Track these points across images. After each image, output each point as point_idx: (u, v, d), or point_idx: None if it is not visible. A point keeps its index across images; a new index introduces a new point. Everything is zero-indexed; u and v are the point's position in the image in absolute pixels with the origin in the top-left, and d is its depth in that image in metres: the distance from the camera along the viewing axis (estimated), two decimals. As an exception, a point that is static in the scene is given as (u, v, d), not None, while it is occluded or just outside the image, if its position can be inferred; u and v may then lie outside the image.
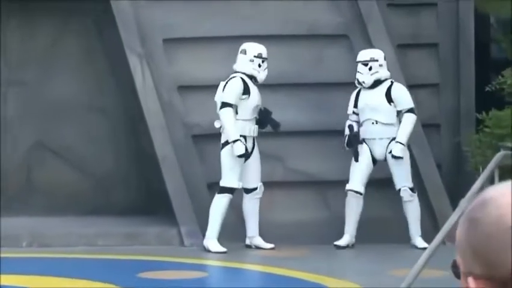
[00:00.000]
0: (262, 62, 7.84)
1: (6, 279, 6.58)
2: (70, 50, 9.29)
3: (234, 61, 8.14)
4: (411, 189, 7.91)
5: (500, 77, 8.43)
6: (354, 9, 8.58)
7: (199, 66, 8.38)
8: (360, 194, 7.96)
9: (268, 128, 7.93)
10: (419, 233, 7.87)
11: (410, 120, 7.98)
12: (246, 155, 7.58)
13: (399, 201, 7.95)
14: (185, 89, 8.46)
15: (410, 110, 8.00)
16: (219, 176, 8.17)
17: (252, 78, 7.78)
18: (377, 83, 7.94)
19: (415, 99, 8.45)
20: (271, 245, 7.83)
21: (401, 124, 7.94)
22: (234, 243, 7.92)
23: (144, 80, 8.26)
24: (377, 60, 7.97)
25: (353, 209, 7.97)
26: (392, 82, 8.02)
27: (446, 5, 8.95)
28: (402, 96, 8.03)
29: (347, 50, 8.46)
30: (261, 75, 7.81)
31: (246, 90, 7.73)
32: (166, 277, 7.35)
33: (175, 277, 7.32)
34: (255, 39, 8.05)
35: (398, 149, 7.85)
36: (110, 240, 8.27)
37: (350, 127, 7.93)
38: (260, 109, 7.90)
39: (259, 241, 7.84)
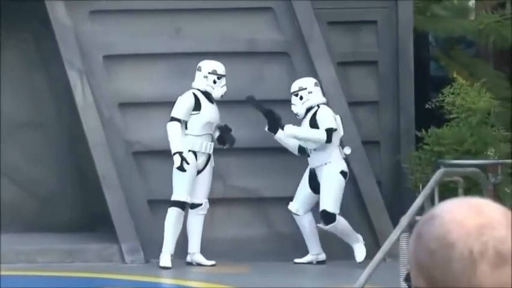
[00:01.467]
0: (218, 78, 7.91)
1: None
2: (8, 65, 9.12)
3: (174, 78, 8.18)
4: (328, 215, 7.91)
5: (439, 94, 8.65)
6: (295, 27, 8.67)
7: (139, 83, 8.42)
8: (297, 214, 8.05)
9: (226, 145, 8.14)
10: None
11: (318, 133, 8.00)
12: (183, 169, 7.60)
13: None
14: (125, 105, 8.47)
15: (327, 130, 8.05)
16: (160, 193, 8.22)
17: (208, 94, 7.86)
18: (309, 110, 8.03)
19: (355, 117, 8.64)
20: (212, 262, 7.86)
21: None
22: (175, 260, 7.92)
23: (84, 96, 8.27)
24: (305, 89, 8.06)
25: (302, 228, 8.10)
26: (318, 107, 8.11)
27: (386, 23, 9.13)
28: (324, 117, 8.08)
29: (287, 67, 8.55)
30: (217, 91, 7.87)
31: (197, 106, 7.78)
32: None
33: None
34: (194, 56, 8.11)
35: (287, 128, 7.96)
36: (50, 257, 8.27)
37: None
38: (221, 126, 7.97)
39: (200, 258, 7.89)
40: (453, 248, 1.17)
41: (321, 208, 7.87)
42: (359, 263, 7.66)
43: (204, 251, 7.97)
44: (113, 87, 8.54)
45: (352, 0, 9.14)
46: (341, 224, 8.01)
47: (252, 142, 8.32)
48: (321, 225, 7.95)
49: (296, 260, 8.06)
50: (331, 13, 9.06)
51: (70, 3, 8.45)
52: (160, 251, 7.99)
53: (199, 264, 7.89)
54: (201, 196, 7.90)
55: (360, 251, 7.95)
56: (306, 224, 8.02)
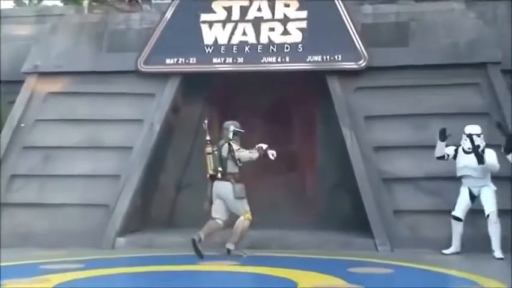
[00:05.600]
0: (478, 136, 11.99)
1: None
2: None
3: (412, 131, 13.25)
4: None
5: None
6: (494, 95, 13.15)
7: (388, 134, 13.47)
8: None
9: None
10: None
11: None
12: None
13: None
14: (378, 148, 13.34)
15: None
16: (401, 205, 12.92)
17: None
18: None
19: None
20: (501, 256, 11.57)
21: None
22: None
23: (352, 142, 13.95)
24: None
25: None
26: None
27: None
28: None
29: (488, 122, 12.72)
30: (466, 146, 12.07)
31: (455, 156, 12.22)
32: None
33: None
34: (426, 116, 13.09)
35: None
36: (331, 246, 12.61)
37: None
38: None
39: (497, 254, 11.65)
40: None
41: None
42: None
43: (429, 246, 12.39)
44: (370, 136, 13.25)
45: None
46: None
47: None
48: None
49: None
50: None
51: (343, 82, 13.63)
52: (397, 245, 12.40)
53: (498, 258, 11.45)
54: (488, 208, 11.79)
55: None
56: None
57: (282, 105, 15.41)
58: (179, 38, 14.19)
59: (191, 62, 14.25)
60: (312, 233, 13.90)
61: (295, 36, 14.30)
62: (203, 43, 14.26)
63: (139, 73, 14.42)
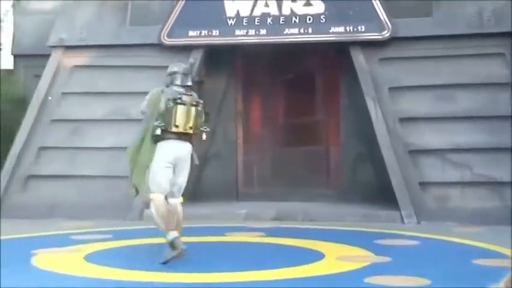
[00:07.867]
0: None
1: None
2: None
3: (437, 102, 13.49)
4: None
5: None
6: None
7: (414, 105, 13.50)
8: None
9: None
10: None
11: None
12: None
13: None
14: (404, 120, 13.32)
15: None
16: (428, 178, 12.94)
17: None
18: None
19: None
20: None
21: None
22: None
23: (376, 114, 14.05)
24: None
25: None
26: None
27: None
28: None
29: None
30: None
31: None
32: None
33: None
34: (449, 87, 13.13)
35: None
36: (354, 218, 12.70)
37: None
38: None
39: None
40: None
41: None
42: None
43: (456, 218, 12.35)
44: (395, 108, 13.40)
45: None
46: None
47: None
48: None
49: None
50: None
51: (366, 53, 13.79)
52: (424, 218, 12.50)
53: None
54: None
55: None
56: None
57: (306, 76, 15.50)
58: (202, 10, 14.27)
59: (214, 34, 14.36)
60: (336, 205, 14.14)
61: (318, 7, 14.38)
62: (225, 15, 14.30)
63: (162, 46, 14.42)
